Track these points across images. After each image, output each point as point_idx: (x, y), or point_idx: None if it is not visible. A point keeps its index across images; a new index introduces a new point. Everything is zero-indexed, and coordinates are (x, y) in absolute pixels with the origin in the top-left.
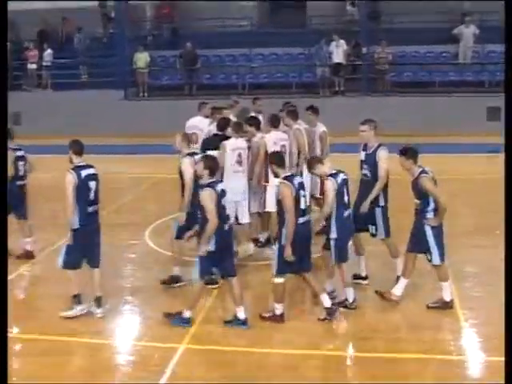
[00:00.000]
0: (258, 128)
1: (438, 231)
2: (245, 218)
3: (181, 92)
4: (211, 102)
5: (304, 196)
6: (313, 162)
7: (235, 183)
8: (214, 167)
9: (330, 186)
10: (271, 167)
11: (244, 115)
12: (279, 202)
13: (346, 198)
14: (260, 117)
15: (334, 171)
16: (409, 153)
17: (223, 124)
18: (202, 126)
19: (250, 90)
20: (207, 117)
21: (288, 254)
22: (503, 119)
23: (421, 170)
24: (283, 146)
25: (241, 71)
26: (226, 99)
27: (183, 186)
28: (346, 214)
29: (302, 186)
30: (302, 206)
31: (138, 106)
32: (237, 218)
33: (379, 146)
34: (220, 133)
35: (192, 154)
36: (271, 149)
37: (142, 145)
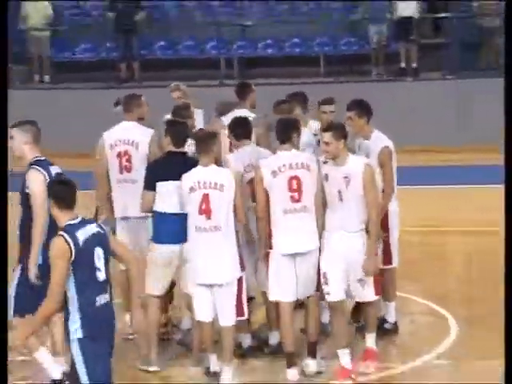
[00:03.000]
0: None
1: None
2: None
3: (113, 74)
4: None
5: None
6: None
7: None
8: None
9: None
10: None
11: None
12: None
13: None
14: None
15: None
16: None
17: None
18: (138, 137)
19: (241, 70)
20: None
21: None
22: None
23: None
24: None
25: (224, 35)
26: (200, 86)
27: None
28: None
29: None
30: (100, 278)
31: (33, 99)
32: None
33: None
34: (177, 150)
35: None
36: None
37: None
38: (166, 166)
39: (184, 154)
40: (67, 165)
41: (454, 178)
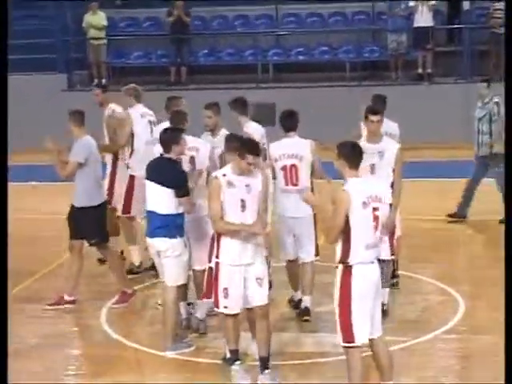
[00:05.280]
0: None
1: None
2: None
3: (162, 78)
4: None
5: None
6: None
7: None
8: None
9: None
10: None
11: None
12: None
13: None
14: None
15: None
16: None
17: None
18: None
19: (275, 74)
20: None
21: None
22: None
23: None
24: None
25: (261, 43)
26: (239, 89)
27: None
28: None
29: None
30: None
31: (92, 101)
32: None
33: None
34: (165, 155)
35: None
36: None
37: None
38: (152, 168)
39: (169, 159)
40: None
41: (462, 171)
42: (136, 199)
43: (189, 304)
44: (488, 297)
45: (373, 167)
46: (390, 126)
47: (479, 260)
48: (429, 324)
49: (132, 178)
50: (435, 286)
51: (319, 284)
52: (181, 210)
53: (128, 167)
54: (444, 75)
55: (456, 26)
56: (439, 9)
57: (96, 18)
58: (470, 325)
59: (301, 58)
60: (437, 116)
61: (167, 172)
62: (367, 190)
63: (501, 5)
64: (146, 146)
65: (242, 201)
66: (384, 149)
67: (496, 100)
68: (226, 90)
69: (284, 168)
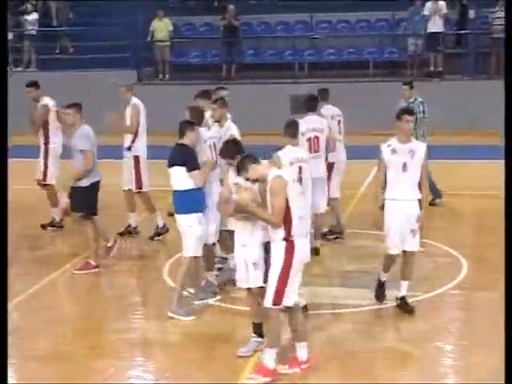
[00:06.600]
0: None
1: None
2: None
3: (215, 74)
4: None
5: None
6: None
7: None
8: None
9: None
10: None
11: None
12: None
13: None
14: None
15: None
16: None
17: None
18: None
19: (310, 72)
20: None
21: None
22: None
23: None
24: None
25: (298, 45)
26: (279, 83)
27: None
28: None
29: None
30: None
31: (156, 93)
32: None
33: None
34: (179, 141)
35: None
36: None
37: (162, 146)
38: (169, 156)
39: (182, 144)
40: (166, 141)
41: (464, 153)
42: (143, 176)
43: (225, 258)
44: (487, 259)
45: (405, 165)
46: (334, 110)
47: (479, 228)
48: (437, 281)
49: (137, 158)
50: (442, 249)
51: (348, 247)
52: (192, 186)
53: (130, 149)
54: (452, 73)
55: (463, 31)
56: (449, 17)
57: (162, 24)
58: (471, 282)
59: (332, 57)
60: (446, 107)
61: (178, 154)
62: (288, 172)
63: (500, 14)
64: (146, 133)
65: (261, 193)
66: (414, 149)
67: (420, 100)
68: (268, 85)
69: (309, 139)
